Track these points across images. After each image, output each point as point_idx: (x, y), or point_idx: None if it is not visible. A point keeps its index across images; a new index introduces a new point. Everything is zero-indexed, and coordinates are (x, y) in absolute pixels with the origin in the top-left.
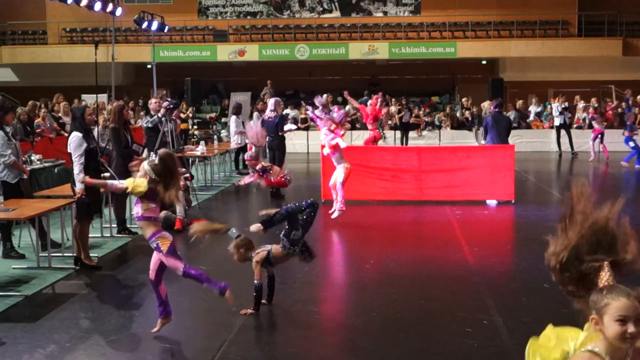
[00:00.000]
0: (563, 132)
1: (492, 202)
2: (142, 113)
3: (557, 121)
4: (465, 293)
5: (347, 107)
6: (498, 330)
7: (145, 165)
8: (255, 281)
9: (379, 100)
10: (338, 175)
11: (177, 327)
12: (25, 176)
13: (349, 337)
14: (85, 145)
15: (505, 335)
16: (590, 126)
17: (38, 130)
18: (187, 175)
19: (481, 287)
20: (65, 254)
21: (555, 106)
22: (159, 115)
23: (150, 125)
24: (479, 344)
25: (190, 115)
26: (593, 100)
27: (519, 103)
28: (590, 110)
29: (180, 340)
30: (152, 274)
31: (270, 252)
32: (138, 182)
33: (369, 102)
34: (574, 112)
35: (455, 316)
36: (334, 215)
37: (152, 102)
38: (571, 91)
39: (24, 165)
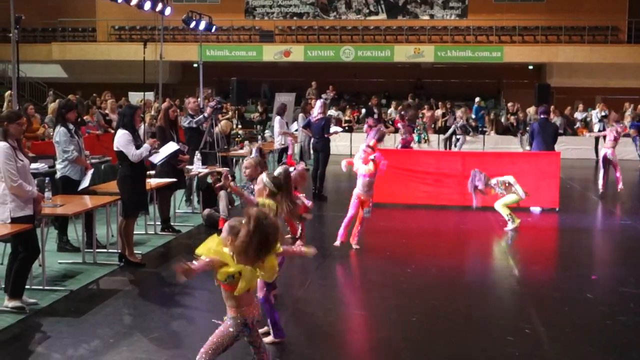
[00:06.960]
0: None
1: (536, 210)
2: (190, 113)
3: (596, 128)
4: (507, 301)
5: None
6: (540, 339)
7: (264, 177)
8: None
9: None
10: None
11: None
12: (89, 171)
13: (388, 342)
14: (133, 141)
15: (547, 345)
16: None
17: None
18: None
19: (523, 295)
20: (110, 251)
21: (595, 113)
22: (205, 115)
23: (194, 125)
24: (520, 353)
25: (230, 114)
26: None
27: (568, 109)
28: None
29: None
30: (260, 293)
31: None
32: (267, 203)
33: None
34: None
35: (496, 324)
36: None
37: (191, 102)
38: (619, 98)
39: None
